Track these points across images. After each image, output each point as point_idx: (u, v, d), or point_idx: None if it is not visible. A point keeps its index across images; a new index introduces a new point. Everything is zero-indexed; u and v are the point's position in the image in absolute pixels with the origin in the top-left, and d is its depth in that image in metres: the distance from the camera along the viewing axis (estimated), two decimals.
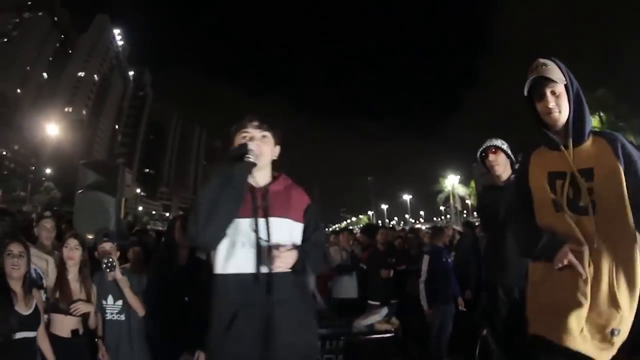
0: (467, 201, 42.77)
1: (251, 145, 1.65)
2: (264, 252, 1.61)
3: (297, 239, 1.73)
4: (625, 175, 1.55)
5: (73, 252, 2.78)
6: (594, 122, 22.98)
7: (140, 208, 71.79)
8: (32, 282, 2.51)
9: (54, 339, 2.55)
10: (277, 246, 1.60)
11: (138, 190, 69.75)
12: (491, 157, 2.74)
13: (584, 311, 1.54)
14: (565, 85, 1.64)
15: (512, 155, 2.76)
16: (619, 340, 1.54)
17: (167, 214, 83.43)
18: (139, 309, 2.92)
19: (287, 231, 1.70)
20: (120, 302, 2.94)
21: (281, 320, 1.60)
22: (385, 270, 4.83)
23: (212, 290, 1.67)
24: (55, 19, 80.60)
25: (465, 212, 46.72)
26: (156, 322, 2.98)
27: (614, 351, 1.55)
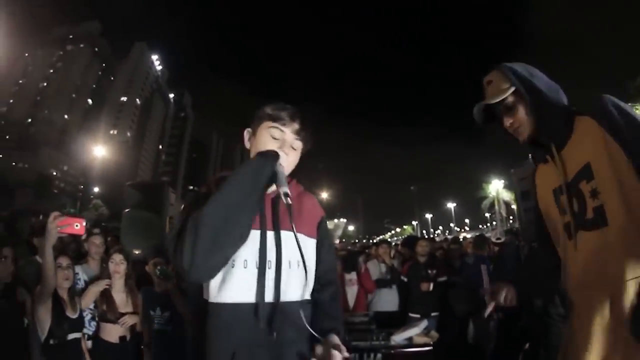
0: (513, 206, 41.20)
1: (282, 158, 1.28)
2: (271, 275, 1.23)
3: (310, 258, 1.34)
4: (623, 147, 1.19)
5: (119, 266, 3.07)
6: (637, 109, 21.71)
7: None
8: (75, 290, 2.83)
9: (104, 344, 2.89)
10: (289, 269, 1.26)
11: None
12: None
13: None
14: (516, 90, 1.37)
15: None
16: None
17: None
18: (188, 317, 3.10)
19: (302, 248, 1.29)
20: (167, 314, 3.08)
21: None
22: (425, 283, 4.75)
23: (203, 323, 1.20)
24: (96, 49, 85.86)
25: (511, 218, 44.88)
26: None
27: None
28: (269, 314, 1.20)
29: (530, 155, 1.55)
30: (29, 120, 73.98)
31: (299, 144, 1.37)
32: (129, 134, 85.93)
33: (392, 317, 4.73)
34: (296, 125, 1.35)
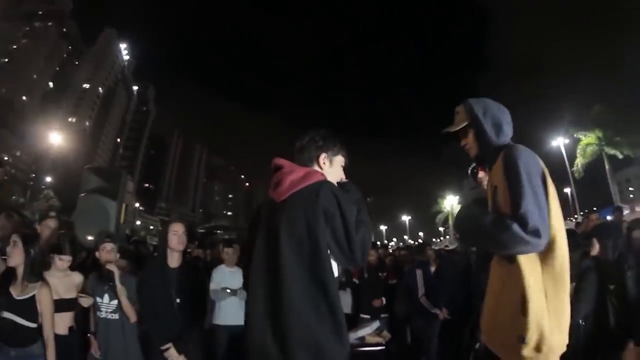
0: None
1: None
2: None
3: None
4: (507, 184, 1.70)
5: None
6: (590, 138, 23.35)
7: (139, 222, 71.49)
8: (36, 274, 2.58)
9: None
10: None
11: (137, 205, 69.59)
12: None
13: (499, 321, 1.72)
14: (470, 123, 1.90)
15: None
16: (528, 348, 1.56)
17: None
18: (132, 317, 3.05)
19: None
20: (115, 302, 3.06)
21: None
22: (377, 300, 4.95)
23: (333, 291, 1.64)
24: (64, 29, 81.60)
25: None
26: (148, 322, 3.06)
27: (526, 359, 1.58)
28: None
29: (472, 167, 2.44)
30: None
31: None
32: (87, 123, 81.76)
33: (345, 319, 4.83)
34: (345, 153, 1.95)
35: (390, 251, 9.23)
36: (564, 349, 1.63)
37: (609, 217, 7.09)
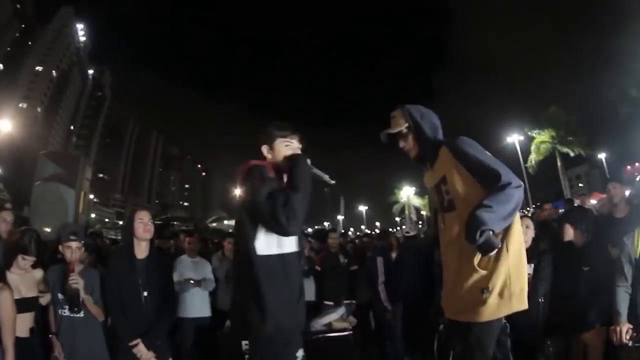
0: (423, 212, 43.75)
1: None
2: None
3: None
4: (465, 166, 2.00)
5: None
6: (544, 137, 25.12)
7: (93, 215, 68.32)
8: None
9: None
10: None
11: (91, 196, 66.43)
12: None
13: (458, 292, 1.99)
14: (408, 127, 2.15)
15: None
16: (493, 296, 1.89)
17: (121, 222, 79.81)
18: (100, 316, 2.93)
19: None
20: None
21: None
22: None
23: (255, 270, 1.90)
24: (18, 6, 75.74)
25: (420, 223, 47.73)
26: (115, 317, 2.96)
27: (489, 308, 1.90)
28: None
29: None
30: None
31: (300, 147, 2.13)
32: (39, 109, 76.40)
33: (310, 306, 4.89)
34: (299, 137, 2.13)
35: (349, 239, 9.41)
36: (524, 304, 1.96)
37: (560, 210, 7.49)
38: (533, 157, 25.52)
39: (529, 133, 25.99)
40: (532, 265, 3.28)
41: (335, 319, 4.13)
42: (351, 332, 3.95)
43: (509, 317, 2.30)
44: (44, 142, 71.03)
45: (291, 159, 2.01)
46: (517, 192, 1.89)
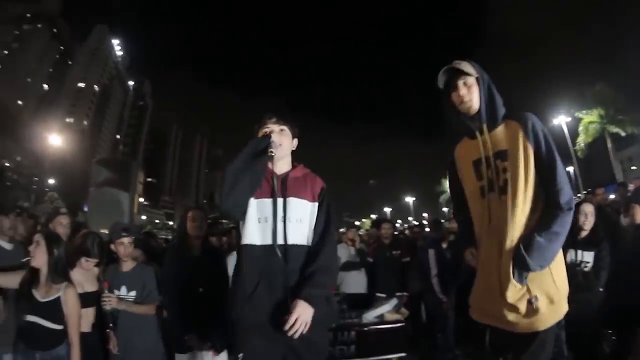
0: None
1: (273, 137, 1.91)
2: (281, 227, 1.87)
3: (310, 216, 1.95)
4: (535, 152, 1.73)
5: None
6: (592, 116, 23.19)
7: (144, 217, 71.53)
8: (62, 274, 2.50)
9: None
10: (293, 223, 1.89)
11: (141, 200, 69.62)
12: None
13: (500, 292, 1.73)
14: (477, 79, 1.84)
15: None
16: (544, 303, 1.69)
17: (171, 223, 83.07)
18: (150, 311, 3.04)
19: (303, 210, 1.93)
20: (133, 293, 3.01)
21: (296, 288, 1.80)
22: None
23: (239, 259, 1.93)
24: (55, 30, 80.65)
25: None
26: (171, 313, 3.05)
27: (543, 316, 1.69)
28: (282, 251, 1.84)
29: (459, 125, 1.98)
30: None
31: (284, 127, 2.01)
32: (85, 122, 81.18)
33: (361, 298, 4.85)
34: (274, 118, 2.00)
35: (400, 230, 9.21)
36: (566, 306, 1.77)
37: (612, 196, 6.99)
38: (581, 140, 23.88)
39: (576, 114, 24.44)
40: (593, 253, 3.14)
41: (388, 311, 4.06)
42: (403, 324, 3.88)
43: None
44: (93, 152, 75.44)
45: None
46: (571, 217, 1.72)
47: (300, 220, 1.92)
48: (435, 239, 5.02)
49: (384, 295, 4.68)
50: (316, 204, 1.98)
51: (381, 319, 3.96)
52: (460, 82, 1.85)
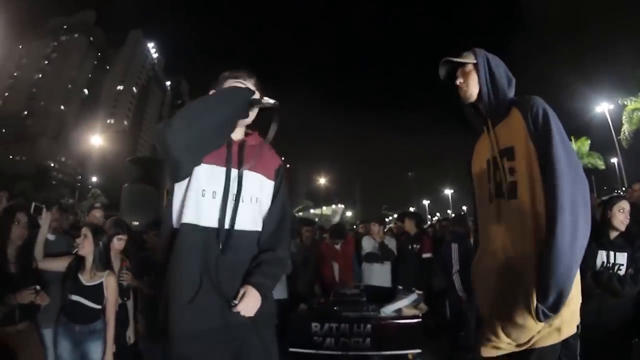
0: None
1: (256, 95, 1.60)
2: (231, 207, 1.52)
3: (266, 196, 1.65)
4: (535, 143, 1.49)
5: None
6: (637, 103, 21.25)
7: None
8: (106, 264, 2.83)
9: None
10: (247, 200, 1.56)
11: None
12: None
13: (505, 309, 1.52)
14: (475, 65, 1.69)
15: None
16: (556, 320, 1.47)
17: None
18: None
19: (258, 186, 1.62)
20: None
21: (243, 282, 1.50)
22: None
23: (169, 244, 1.49)
24: (91, 38, 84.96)
25: None
26: None
27: (543, 335, 1.49)
28: (228, 236, 1.49)
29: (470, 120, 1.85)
30: (25, 112, 73.36)
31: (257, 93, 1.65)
32: (126, 122, 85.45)
33: (383, 292, 4.83)
34: (253, 80, 1.67)
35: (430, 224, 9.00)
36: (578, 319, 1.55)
37: None
38: (626, 128, 22.48)
39: (619, 101, 22.97)
40: (626, 254, 2.82)
41: (406, 305, 4.04)
42: (420, 319, 3.83)
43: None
44: (133, 151, 79.14)
45: None
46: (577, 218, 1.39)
47: (255, 199, 1.59)
48: (460, 234, 4.89)
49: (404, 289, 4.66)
50: (272, 183, 1.68)
51: (399, 314, 3.94)
52: (459, 71, 1.75)
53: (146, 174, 4.65)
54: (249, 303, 1.44)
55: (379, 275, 5.12)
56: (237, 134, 1.65)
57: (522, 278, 1.47)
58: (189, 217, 1.47)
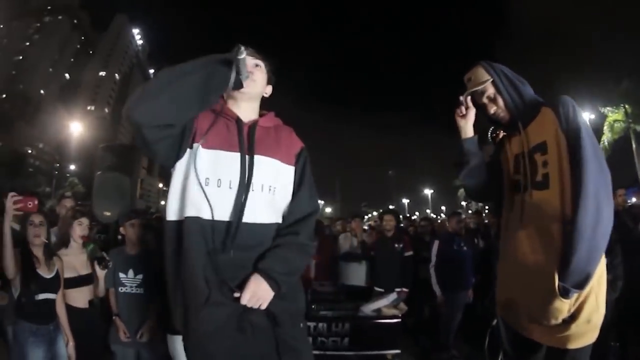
0: None
1: (248, 62, 1.41)
2: (242, 197, 1.35)
3: (283, 184, 1.47)
4: (566, 135, 1.57)
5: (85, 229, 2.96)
6: (617, 115, 22.04)
7: (163, 202, 72.81)
8: (52, 250, 2.70)
9: (72, 310, 2.73)
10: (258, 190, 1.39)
11: (160, 185, 70.88)
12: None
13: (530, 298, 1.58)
14: (494, 82, 1.70)
15: None
16: (580, 322, 1.53)
17: None
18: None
19: (272, 173, 1.44)
20: (140, 276, 2.97)
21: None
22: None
23: (171, 240, 1.37)
24: (75, 21, 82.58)
25: (487, 207, 45.47)
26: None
27: (576, 334, 1.53)
28: (234, 231, 1.33)
29: (491, 130, 1.90)
30: (4, 95, 70.80)
31: (259, 63, 1.54)
32: (107, 110, 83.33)
33: (359, 291, 4.76)
34: (250, 49, 1.47)
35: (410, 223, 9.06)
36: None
37: (634, 199, 6.64)
38: (606, 138, 23.09)
39: (602, 110, 23.49)
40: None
41: (386, 305, 4.00)
42: (400, 319, 3.81)
43: None
44: (113, 139, 77.24)
45: None
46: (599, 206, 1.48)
47: (269, 188, 1.41)
48: (445, 234, 4.86)
49: (382, 290, 4.59)
50: (292, 168, 1.50)
51: (378, 314, 3.91)
52: (484, 99, 1.75)
53: (121, 162, 4.46)
54: (254, 292, 1.31)
55: (356, 274, 5.04)
56: (249, 114, 1.51)
57: (547, 261, 1.53)
58: (191, 210, 1.33)
